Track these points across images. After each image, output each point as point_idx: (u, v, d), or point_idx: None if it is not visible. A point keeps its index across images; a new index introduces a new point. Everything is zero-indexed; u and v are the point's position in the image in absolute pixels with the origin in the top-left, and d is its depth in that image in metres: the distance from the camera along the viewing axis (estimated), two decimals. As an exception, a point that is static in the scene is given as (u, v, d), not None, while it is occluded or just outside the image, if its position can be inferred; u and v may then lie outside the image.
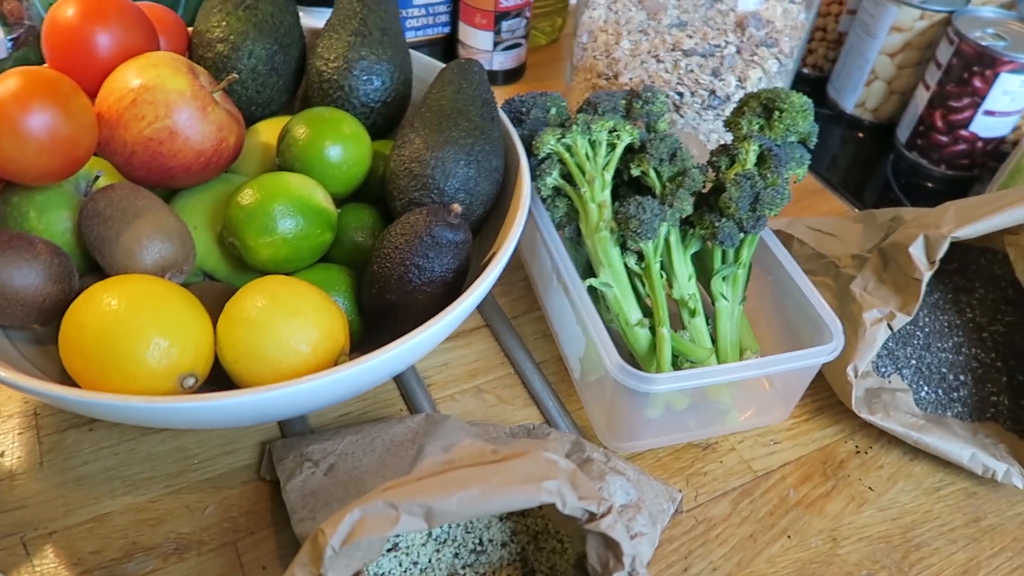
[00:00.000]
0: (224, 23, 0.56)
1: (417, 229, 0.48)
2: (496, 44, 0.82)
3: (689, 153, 0.55)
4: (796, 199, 0.76)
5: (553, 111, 0.60)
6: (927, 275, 0.53)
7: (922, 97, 0.78)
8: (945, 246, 0.52)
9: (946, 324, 0.61)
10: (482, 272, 0.47)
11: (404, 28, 0.83)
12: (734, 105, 0.69)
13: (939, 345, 0.60)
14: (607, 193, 0.54)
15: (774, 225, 0.67)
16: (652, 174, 0.55)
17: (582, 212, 0.55)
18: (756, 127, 0.57)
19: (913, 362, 0.59)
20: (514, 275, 0.65)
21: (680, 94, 0.70)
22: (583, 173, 0.54)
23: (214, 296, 0.48)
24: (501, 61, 0.84)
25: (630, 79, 0.71)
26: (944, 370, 0.59)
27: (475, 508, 0.37)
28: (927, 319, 0.61)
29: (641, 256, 0.54)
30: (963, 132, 0.76)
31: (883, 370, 0.59)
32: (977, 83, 0.72)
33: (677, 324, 0.55)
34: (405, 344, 0.42)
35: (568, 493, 0.38)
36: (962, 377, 0.59)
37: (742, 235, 0.53)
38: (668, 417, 0.54)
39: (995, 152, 0.77)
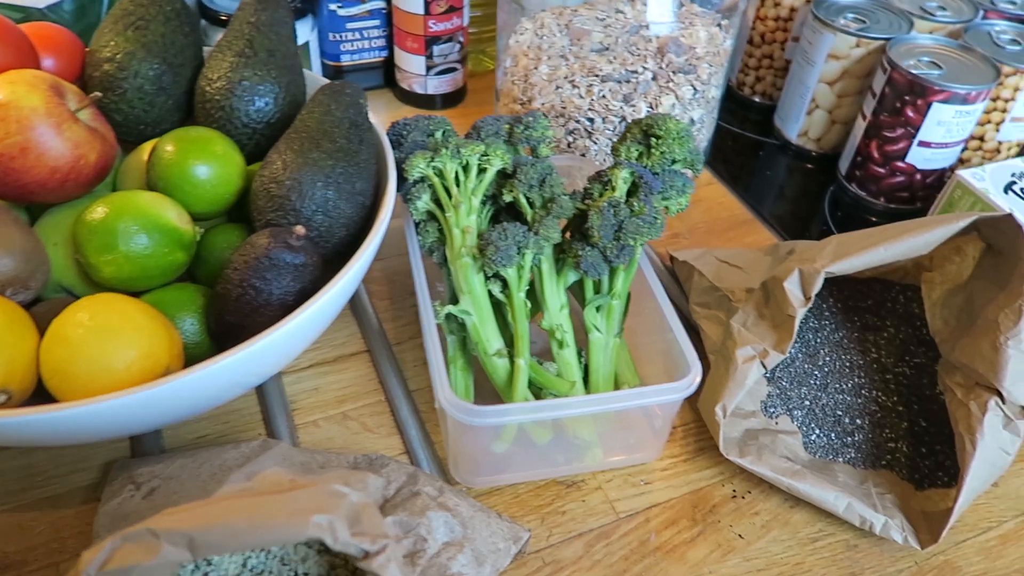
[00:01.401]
0: (112, 43, 0.57)
1: (256, 250, 0.47)
2: (429, 68, 0.82)
3: (560, 180, 0.53)
4: (722, 229, 0.74)
5: (439, 134, 0.59)
6: (801, 311, 0.50)
7: (860, 127, 0.75)
8: (819, 281, 0.50)
9: (847, 364, 0.58)
10: (314, 295, 0.46)
11: (339, 52, 0.83)
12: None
13: (837, 386, 0.57)
14: (473, 218, 0.53)
15: (683, 256, 0.65)
16: (523, 200, 0.53)
17: (448, 237, 0.53)
18: (635, 154, 0.55)
19: (807, 403, 0.56)
20: (406, 300, 0.64)
21: (591, 120, 0.68)
22: (450, 197, 0.53)
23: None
24: (436, 85, 0.84)
25: (542, 104, 0.70)
26: (840, 413, 0.56)
27: (240, 541, 0.35)
28: (828, 358, 0.58)
29: (507, 283, 0.52)
30: (900, 164, 0.72)
31: (772, 410, 0.56)
32: (910, 113, 0.69)
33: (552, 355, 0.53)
34: (205, 369, 0.41)
35: (340, 528, 0.36)
36: (859, 421, 0.56)
37: (607, 265, 0.51)
38: (529, 452, 0.52)
39: (936, 185, 0.74)
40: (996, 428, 0.48)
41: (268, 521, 0.36)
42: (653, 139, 0.54)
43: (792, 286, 0.50)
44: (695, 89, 0.68)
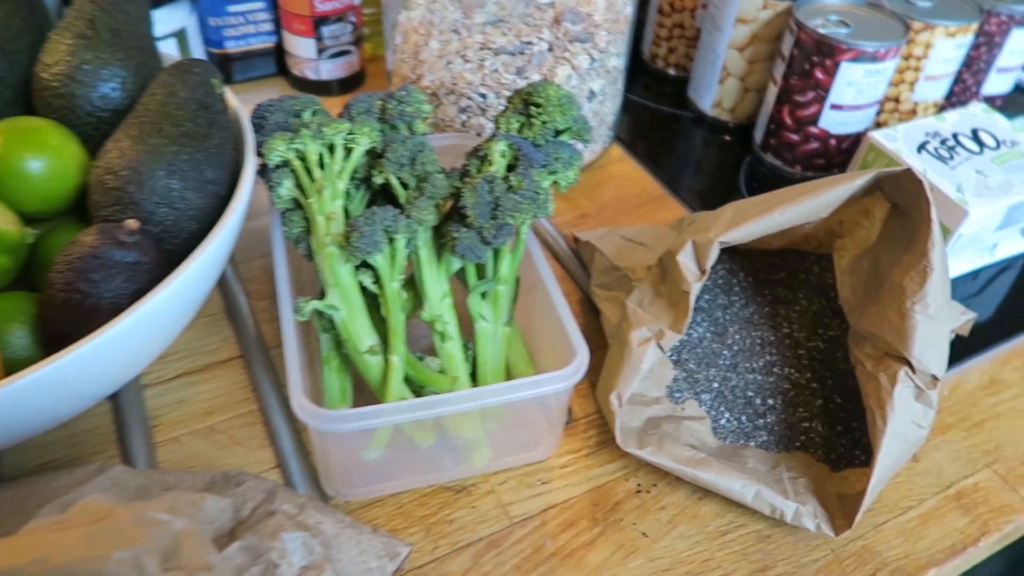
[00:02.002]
0: (-65, 30, 0.51)
1: (81, 249, 0.42)
2: (320, 52, 0.77)
3: (434, 157, 0.49)
4: (633, 206, 0.70)
5: (307, 114, 0.54)
6: (696, 286, 0.46)
7: (772, 93, 0.71)
8: (714, 252, 0.46)
9: (758, 342, 0.54)
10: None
11: (223, 38, 0.77)
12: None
13: (747, 365, 0.53)
14: (338, 203, 0.48)
15: (586, 236, 0.61)
16: (394, 181, 0.49)
17: (312, 225, 0.48)
18: (516, 126, 0.50)
19: (715, 385, 0.52)
20: (288, 299, 0.59)
21: (484, 95, 0.64)
22: (313, 181, 0.48)
23: None
24: (329, 70, 0.78)
25: (432, 81, 0.65)
26: (751, 393, 0.52)
27: (30, 585, 0.30)
28: (737, 336, 0.55)
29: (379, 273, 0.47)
30: (812, 129, 0.69)
31: (677, 395, 0.52)
32: (819, 75, 0.66)
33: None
34: (9, 385, 0.35)
35: (149, 563, 0.31)
36: (771, 401, 0.52)
37: (486, 247, 0.46)
38: (412, 456, 0.47)
39: (852, 150, 0.71)
40: (907, 400, 0.44)
41: (61, 562, 0.30)
42: (533, 108, 0.50)
43: (686, 259, 0.47)
44: (592, 58, 0.64)
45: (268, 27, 0.79)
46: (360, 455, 0.45)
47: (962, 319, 0.56)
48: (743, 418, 0.51)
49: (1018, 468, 0.51)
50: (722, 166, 0.78)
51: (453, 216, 0.49)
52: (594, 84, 0.65)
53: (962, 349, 0.58)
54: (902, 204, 0.47)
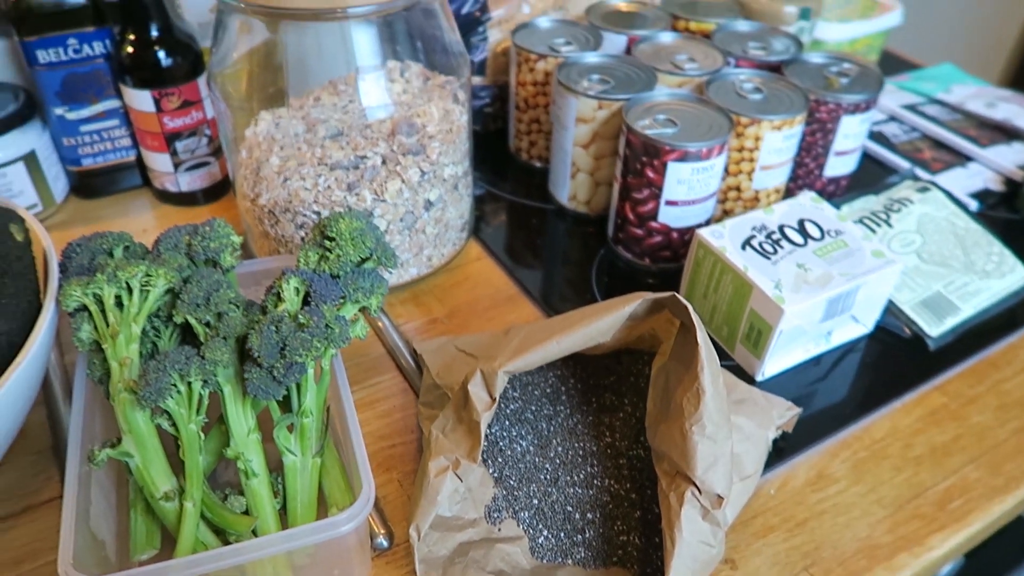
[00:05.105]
0: None
1: None
2: (176, 166, 0.78)
3: (230, 294, 0.49)
4: (484, 308, 0.71)
5: (119, 251, 0.54)
6: (485, 416, 0.46)
7: (616, 189, 0.73)
8: (501, 381, 0.46)
9: (581, 453, 0.55)
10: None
11: (79, 156, 0.78)
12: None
13: (568, 478, 0.54)
14: (134, 347, 0.48)
15: (423, 347, 0.61)
16: (192, 321, 0.49)
17: (110, 370, 0.48)
18: (314, 259, 0.51)
19: (535, 502, 0.53)
20: (116, 431, 0.58)
21: (318, 213, 0.65)
22: (108, 326, 0.48)
23: None
24: (189, 182, 0.79)
25: (268, 199, 0.66)
26: (570, 508, 0.52)
27: None
28: (560, 448, 0.55)
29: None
30: (654, 224, 0.71)
31: (495, 515, 0.52)
32: (651, 174, 0.68)
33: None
34: None
35: None
36: (590, 515, 0.52)
37: (279, 385, 0.47)
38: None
39: (696, 241, 0.73)
40: (694, 520, 0.45)
41: None
42: (327, 242, 0.50)
43: (476, 388, 0.47)
44: (422, 171, 0.65)
45: (126, 142, 0.79)
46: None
47: (788, 415, 0.57)
48: (561, 535, 0.51)
49: (835, 570, 0.51)
50: (584, 259, 0.79)
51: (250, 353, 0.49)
52: (430, 194, 0.66)
53: (796, 442, 0.59)
54: (685, 322, 0.48)
